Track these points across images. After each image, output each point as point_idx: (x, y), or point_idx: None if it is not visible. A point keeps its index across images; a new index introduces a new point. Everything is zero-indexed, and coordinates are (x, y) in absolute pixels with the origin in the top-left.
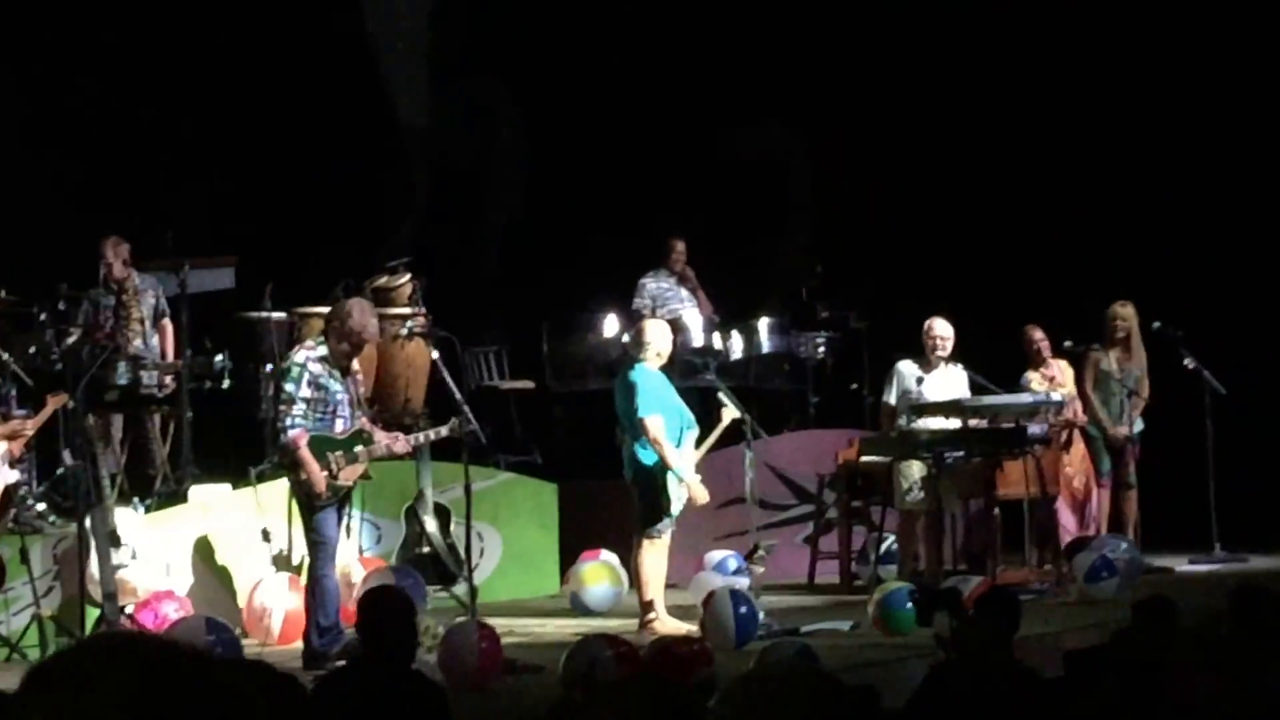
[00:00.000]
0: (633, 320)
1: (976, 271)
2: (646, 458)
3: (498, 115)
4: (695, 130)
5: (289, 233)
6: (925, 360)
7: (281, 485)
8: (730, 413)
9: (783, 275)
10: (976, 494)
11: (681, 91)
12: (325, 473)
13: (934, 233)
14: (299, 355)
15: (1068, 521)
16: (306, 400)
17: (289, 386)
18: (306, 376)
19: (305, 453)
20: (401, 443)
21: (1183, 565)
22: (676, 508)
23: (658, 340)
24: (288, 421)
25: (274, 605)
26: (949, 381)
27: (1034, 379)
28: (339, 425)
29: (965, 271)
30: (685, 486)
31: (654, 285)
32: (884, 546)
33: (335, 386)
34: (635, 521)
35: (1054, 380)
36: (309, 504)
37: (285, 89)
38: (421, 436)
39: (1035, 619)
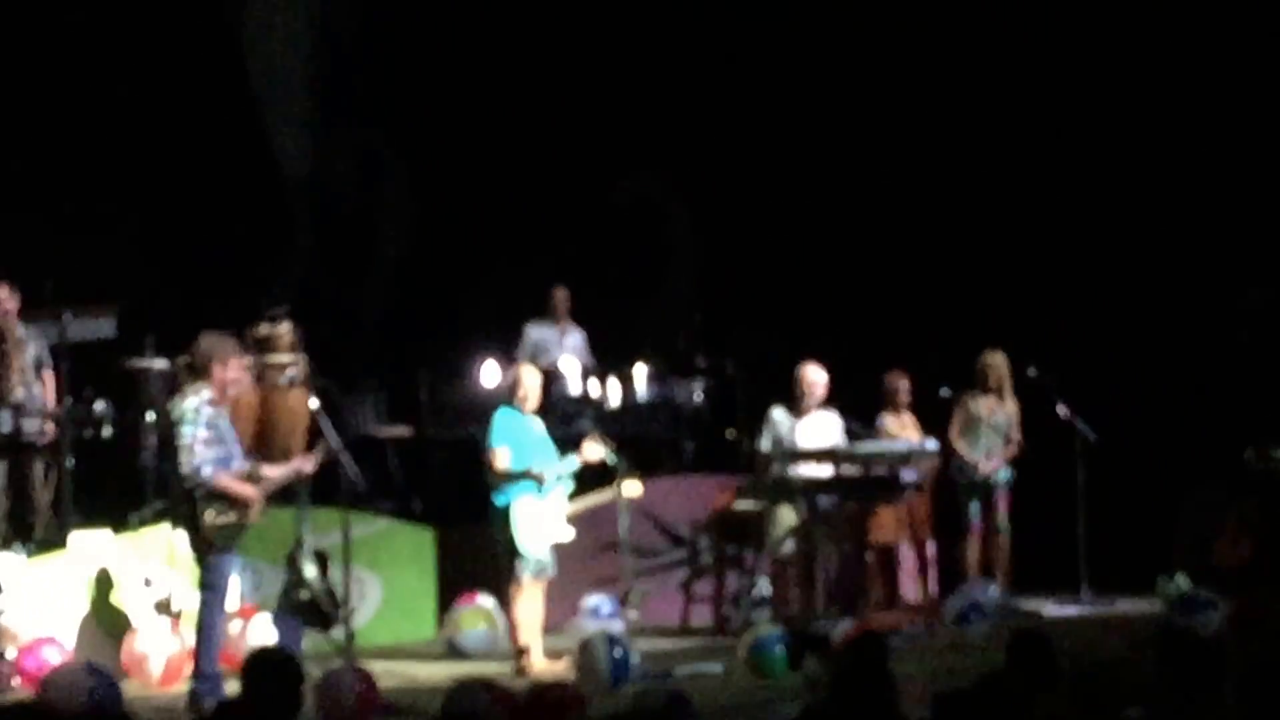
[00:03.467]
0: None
1: (851, 318)
2: (497, 500)
3: (379, 163)
4: (576, 178)
5: (170, 281)
6: (798, 407)
7: (162, 531)
8: (595, 499)
9: (661, 323)
10: (849, 539)
11: (563, 140)
12: (232, 512)
13: (809, 281)
14: (191, 400)
15: (908, 562)
16: (205, 443)
17: (188, 430)
18: (203, 419)
19: (230, 480)
20: (310, 462)
21: (1050, 608)
22: (532, 548)
23: (520, 385)
24: (196, 463)
25: (154, 650)
26: (821, 427)
27: (890, 421)
28: (234, 465)
29: (840, 319)
30: (543, 518)
31: (536, 334)
32: (755, 591)
33: (225, 425)
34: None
35: (905, 428)
36: (210, 547)
37: (166, 137)
38: (317, 454)
39: (905, 662)
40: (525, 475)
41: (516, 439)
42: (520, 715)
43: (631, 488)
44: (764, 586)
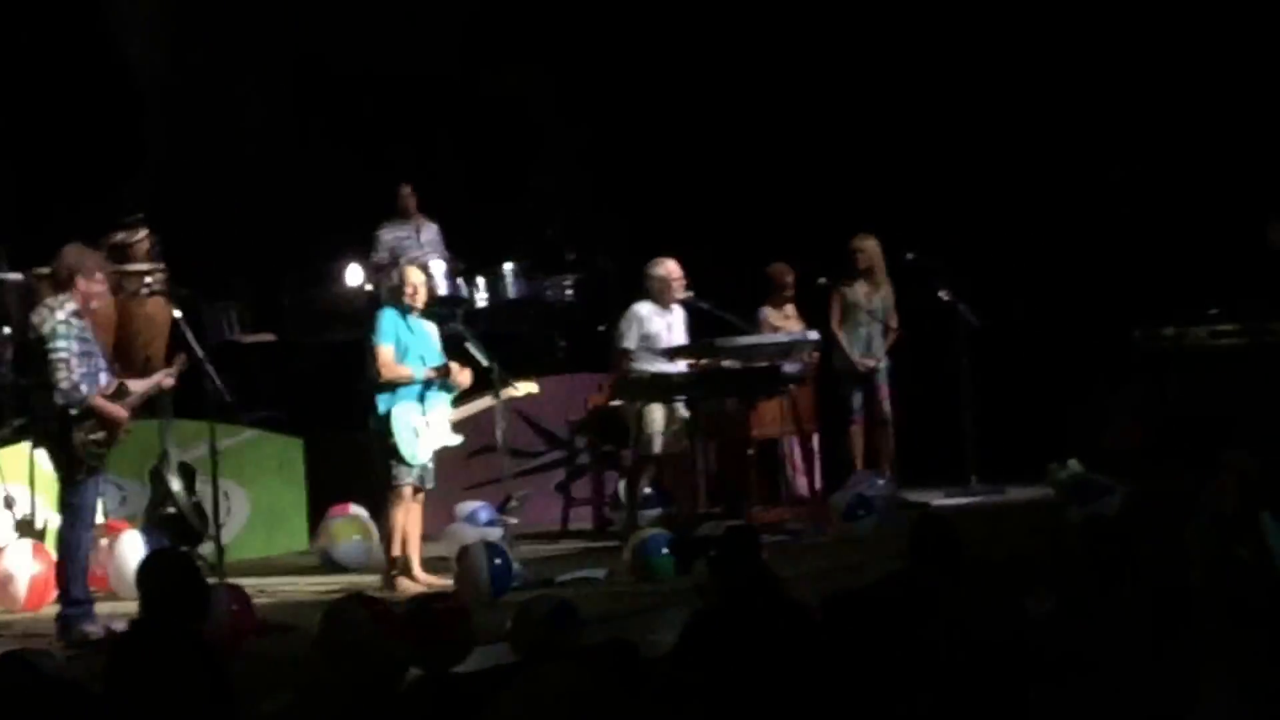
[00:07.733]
0: (375, 272)
1: (719, 207)
2: (379, 405)
3: (238, 66)
4: (439, 72)
5: (20, 191)
6: (663, 301)
7: (23, 450)
8: (481, 404)
9: (528, 219)
10: (731, 435)
11: (429, 34)
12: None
13: (679, 169)
14: (59, 314)
15: (795, 457)
16: (78, 357)
17: (62, 344)
18: (74, 333)
19: (104, 401)
20: (171, 376)
21: (939, 499)
22: (414, 452)
23: (406, 284)
24: (75, 380)
25: (19, 572)
26: (681, 321)
27: (770, 313)
28: (103, 379)
29: (710, 207)
30: (427, 425)
31: (390, 235)
32: (640, 492)
33: (91, 339)
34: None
35: (788, 320)
36: (80, 467)
37: (11, 43)
38: (175, 367)
39: (791, 561)
40: (411, 380)
41: (402, 339)
42: (403, 630)
43: (526, 386)
44: (647, 487)
